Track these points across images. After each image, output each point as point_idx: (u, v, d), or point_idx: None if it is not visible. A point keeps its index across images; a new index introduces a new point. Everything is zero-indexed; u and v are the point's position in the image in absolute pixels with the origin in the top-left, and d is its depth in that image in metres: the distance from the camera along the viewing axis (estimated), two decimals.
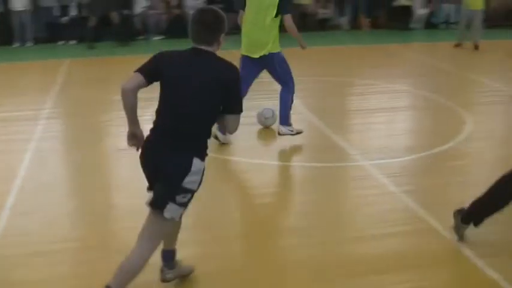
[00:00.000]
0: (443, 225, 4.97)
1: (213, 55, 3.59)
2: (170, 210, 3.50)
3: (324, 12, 16.18)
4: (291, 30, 6.82)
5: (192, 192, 3.55)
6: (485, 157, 6.96)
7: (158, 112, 3.62)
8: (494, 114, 8.78)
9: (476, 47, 13.68)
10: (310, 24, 16.19)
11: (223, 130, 6.54)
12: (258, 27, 6.75)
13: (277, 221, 5.39)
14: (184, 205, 3.57)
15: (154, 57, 3.64)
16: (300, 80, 10.25)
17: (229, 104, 3.59)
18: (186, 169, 3.47)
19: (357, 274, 4.35)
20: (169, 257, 4.05)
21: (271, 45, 6.76)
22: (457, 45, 14.03)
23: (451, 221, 4.79)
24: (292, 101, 7.07)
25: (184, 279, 4.15)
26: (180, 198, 3.50)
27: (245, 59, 6.89)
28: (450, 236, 4.80)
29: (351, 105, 9.43)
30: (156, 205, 3.53)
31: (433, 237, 4.90)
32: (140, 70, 3.56)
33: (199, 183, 3.58)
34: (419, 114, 8.92)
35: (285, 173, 6.71)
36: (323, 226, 5.12)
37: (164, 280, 4.06)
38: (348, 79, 10.73)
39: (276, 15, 6.71)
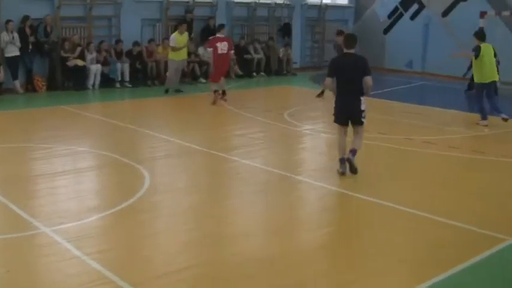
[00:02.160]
0: (130, 281, 5.13)
1: (354, 54, 8.71)
2: (363, 121, 8.80)
3: None
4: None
5: (365, 111, 8.69)
6: (170, 208, 7.34)
7: (338, 87, 8.66)
8: (170, 167, 9.31)
9: None
10: None
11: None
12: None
13: None
14: (365, 117, 8.74)
15: (331, 63, 8.88)
16: None
17: (365, 72, 8.55)
18: (361, 103, 8.61)
19: None
20: (343, 161, 8.69)
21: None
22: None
23: (137, 276, 5.04)
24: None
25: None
26: (364, 114, 8.70)
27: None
28: None
29: (31, 171, 9.09)
30: (359, 122, 8.76)
31: None
32: (328, 74, 8.74)
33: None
34: (100, 173, 9.04)
35: None
36: None
37: (342, 174, 8.68)
38: (26, 144, 10.38)
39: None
